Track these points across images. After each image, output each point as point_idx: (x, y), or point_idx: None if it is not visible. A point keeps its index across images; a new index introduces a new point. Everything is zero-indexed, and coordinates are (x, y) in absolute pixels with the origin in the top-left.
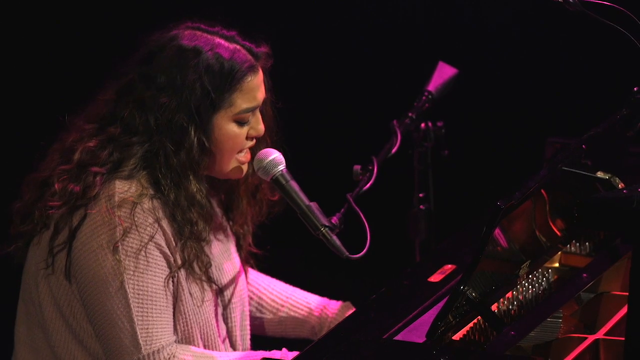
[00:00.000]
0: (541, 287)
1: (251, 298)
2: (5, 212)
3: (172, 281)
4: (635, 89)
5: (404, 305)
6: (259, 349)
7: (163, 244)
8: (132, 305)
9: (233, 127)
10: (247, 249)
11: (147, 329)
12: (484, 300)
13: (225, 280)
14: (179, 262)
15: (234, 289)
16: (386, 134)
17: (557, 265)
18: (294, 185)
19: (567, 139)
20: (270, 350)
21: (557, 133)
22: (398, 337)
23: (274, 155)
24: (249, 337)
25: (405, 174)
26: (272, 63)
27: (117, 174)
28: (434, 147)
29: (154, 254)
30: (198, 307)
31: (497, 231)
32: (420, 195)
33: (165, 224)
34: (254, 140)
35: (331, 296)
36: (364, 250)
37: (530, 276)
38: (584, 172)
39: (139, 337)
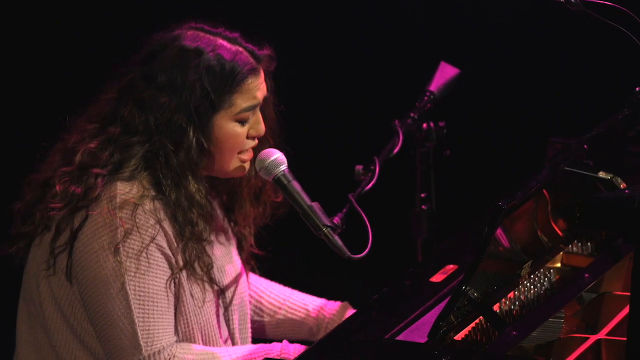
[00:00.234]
0: (543, 287)
1: (250, 302)
2: (6, 212)
3: (174, 282)
4: (637, 88)
5: (405, 305)
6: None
7: (164, 245)
8: (133, 307)
9: (234, 127)
10: (249, 250)
11: (148, 330)
12: (486, 300)
13: (226, 281)
14: (181, 263)
15: (235, 290)
16: (388, 134)
17: (558, 265)
18: (295, 185)
19: (569, 139)
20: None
21: (558, 133)
22: (400, 337)
23: (276, 156)
24: (249, 339)
25: (407, 174)
26: (275, 66)
27: (118, 176)
28: (436, 147)
29: (155, 255)
30: (199, 307)
31: (498, 231)
32: (422, 195)
33: (166, 225)
34: (256, 140)
35: (333, 296)
36: (366, 251)
37: (532, 276)
38: (585, 172)
39: (140, 338)
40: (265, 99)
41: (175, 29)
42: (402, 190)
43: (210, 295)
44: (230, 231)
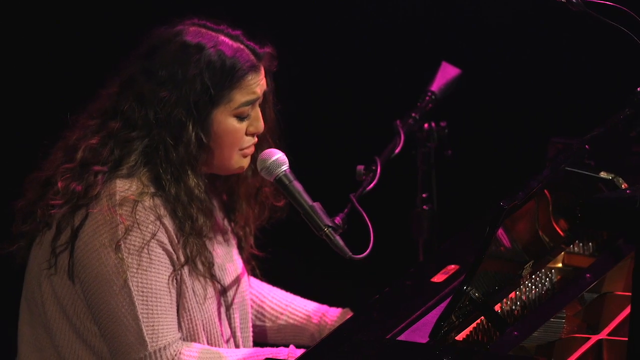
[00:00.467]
0: (544, 288)
1: (251, 306)
2: (7, 211)
3: (175, 279)
4: (638, 88)
5: (407, 306)
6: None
7: (165, 241)
8: (136, 303)
9: (232, 122)
10: (249, 250)
11: (153, 326)
12: (487, 300)
13: (228, 280)
14: (182, 259)
15: (236, 289)
16: (389, 134)
17: (560, 265)
18: (297, 185)
19: (570, 139)
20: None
21: (560, 133)
22: (401, 338)
23: (277, 156)
24: (251, 339)
25: (408, 174)
26: (276, 65)
27: (118, 173)
28: (437, 147)
29: (156, 252)
30: (200, 304)
31: (500, 231)
32: (424, 195)
33: (167, 221)
34: (255, 138)
35: (334, 296)
36: (367, 251)
37: (533, 276)
38: (587, 172)
39: (145, 334)
40: (265, 99)
41: (178, 25)
42: (403, 190)
43: (211, 292)
44: (230, 231)
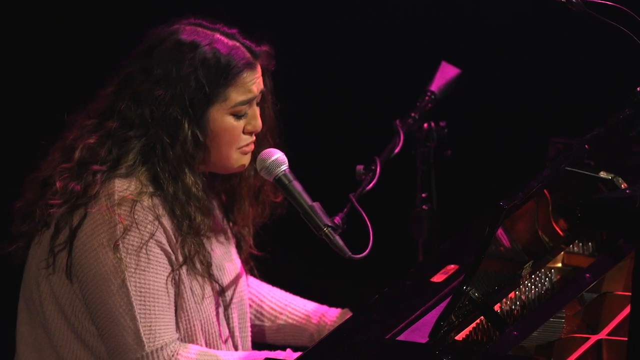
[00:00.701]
0: (544, 287)
1: (250, 306)
2: (6, 211)
3: (174, 279)
4: (638, 88)
5: (406, 306)
6: (263, 350)
7: (164, 241)
8: (134, 303)
9: (229, 120)
10: (248, 250)
11: (150, 326)
12: (487, 300)
13: (226, 279)
14: (180, 259)
15: (235, 289)
16: (389, 134)
17: (559, 265)
18: (296, 185)
19: (570, 139)
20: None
21: (559, 133)
22: (401, 337)
23: (277, 155)
24: (249, 339)
25: (408, 174)
26: (274, 64)
27: (117, 172)
28: (437, 147)
29: (154, 252)
30: (198, 303)
31: (499, 231)
32: (423, 195)
33: (165, 221)
34: (253, 136)
35: (334, 296)
36: (367, 250)
37: (533, 276)
38: (586, 172)
39: (142, 334)
40: (264, 98)
41: (174, 24)
42: (403, 190)
43: (209, 291)
44: (229, 231)
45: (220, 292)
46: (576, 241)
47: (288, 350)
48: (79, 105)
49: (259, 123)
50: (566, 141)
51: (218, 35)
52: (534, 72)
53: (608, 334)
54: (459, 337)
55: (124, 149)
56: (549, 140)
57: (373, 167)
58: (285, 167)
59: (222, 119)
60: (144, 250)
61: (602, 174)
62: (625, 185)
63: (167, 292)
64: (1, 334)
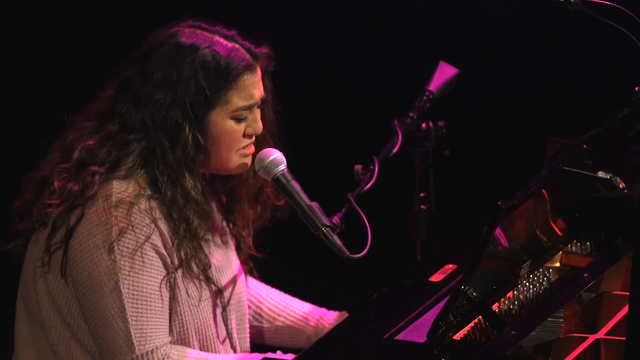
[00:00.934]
0: (542, 287)
1: (249, 307)
2: (4, 210)
3: (169, 282)
4: (636, 88)
5: (405, 305)
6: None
7: (159, 244)
8: (126, 305)
9: (230, 124)
10: (247, 251)
11: (141, 329)
12: (485, 299)
13: (224, 281)
14: (176, 262)
15: (233, 291)
16: (387, 134)
17: (558, 264)
18: (295, 185)
19: (568, 138)
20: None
21: (558, 133)
22: (399, 337)
23: (275, 155)
24: (248, 340)
25: (406, 174)
26: (274, 65)
27: (115, 174)
28: (435, 146)
29: (150, 255)
30: (195, 307)
31: (498, 231)
32: (421, 195)
33: (162, 224)
34: (253, 138)
35: (332, 295)
36: (365, 250)
37: (531, 276)
38: (585, 172)
39: (133, 337)
40: (264, 99)
41: (173, 27)
42: (401, 190)
43: (206, 294)
44: (228, 233)
45: (219, 294)
46: (574, 241)
47: (278, 352)
48: (78, 105)
49: (259, 126)
50: (564, 141)
51: (217, 38)
52: (532, 72)
53: (606, 334)
54: (457, 336)
55: (123, 151)
56: (547, 140)
57: (371, 167)
58: (283, 166)
59: (222, 122)
60: (138, 253)
61: (600, 174)
62: (624, 184)
63: (161, 296)
64: (0, 331)
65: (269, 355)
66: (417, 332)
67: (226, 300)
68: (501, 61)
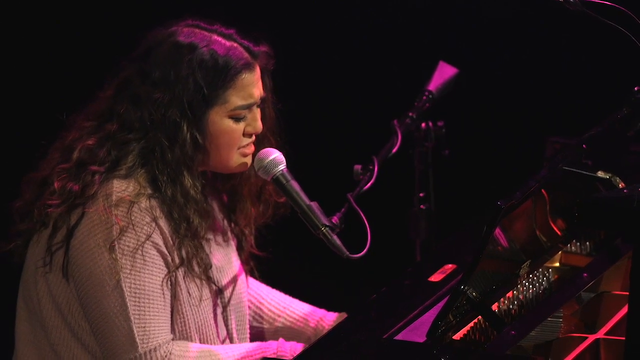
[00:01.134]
0: (542, 287)
1: (250, 307)
2: (5, 210)
3: (170, 281)
4: (635, 88)
5: (404, 305)
6: None
7: (160, 243)
8: (128, 304)
9: (228, 123)
10: (249, 250)
11: (144, 327)
12: (485, 299)
13: (224, 281)
14: (177, 261)
15: (233, 290)
16: (387, 134)
17: (557, 264)
18: (294, 184)
19: (568, 138)
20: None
21: (557, 132)
22: (398, 337)
23: (275, 155)
24: (248, 340)
25: (405, 174)
26: (273, 63)
27: (115, 173)
28: (435, 146)
29: (150, 253)
30: (196, 306)
31: (497, 231)
32: (421, 194)
33: (162, 223)
34: (253, 137)
35: (331, 295)
36: (365, 250)
37: (530, 276)
38: (584, 172)
39: (136, 335)
40: (264, 98)
41: (172, 26)
42: (400, 189)
43: (207, 293)
44: (229, 232)
45: (219, 293)
46: (574, 240)
47: (280, 339)
48: (78, 105)
49: (259, 125)
50: (564, 141)
51: (215, 37)
52: (532, 72)
53: (606, 334)
54: (457, 336)
55: (123, 151)
56: (546, 140)
57: (371, 167)
58: (282, 166)
59: (221, 121)
60: (139, 252)
61: (600, 174)
62: (623, 184)
63: (162, 294)
64: (0, 331)
65: (269, 355)
66: (416, 332)
67: (226, 300)
68: (501, 61)
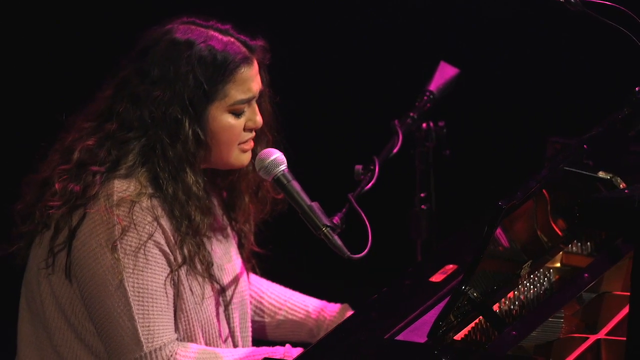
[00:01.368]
0: (542, 287)
1: (250, 302)
2: (6, 213)
3: (173, 279)
4: (636, 88)
5: (405, 305)
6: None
7: (162, 242)
8: (132, 303)
9: (228, 118)
10: (249, 247)
11: (148, 326)
12: (486, 300)
13: (226, 279)
14: (179, 259)
15: (235, 288)
16: (387, 134)
17: (558, 265)
18: (295, 185)
19: (569, 138)
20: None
21: (558, 133)
22: (399, 337)
23: (275, 155)
24: (250, 338)
25: (406, 174)
26: (269, 57)
27: (116, 173)
28: (436, 147)
29: (153, 252)
30: (198, 304)
31: (498, 231)
32: (422, 195)
33: (164, 222)
34: (253, 132)
35: (332, 296)
36: (366, 250)
37: (531, 276)
38: (585, 172)
39: (140, 334)
40: (261, 92)
41: (168, 24)
42: (401, 190)
43: (209, 292)
44: (230, 230)
45: (221, 291)
46: (575, 241)
47: (287, 345)
48: (78, 106)
49: (259, 119)
50: (564, 141)
51: (212, 32)
52: (533, 72)
53: (607, 334)
54: (458, 337)
55: (123, 150)
56: (547, 140)
57: (372, 167)
58: (283, 167)
59: (221, 117)
60: (142, 251)
61: (601, 174)
62: (624, 184)
63: (166, 293)
64: (3, 333)
65: (270, 355)
66: (417, 332)
67: (229, 298)
68: (501, 61)
